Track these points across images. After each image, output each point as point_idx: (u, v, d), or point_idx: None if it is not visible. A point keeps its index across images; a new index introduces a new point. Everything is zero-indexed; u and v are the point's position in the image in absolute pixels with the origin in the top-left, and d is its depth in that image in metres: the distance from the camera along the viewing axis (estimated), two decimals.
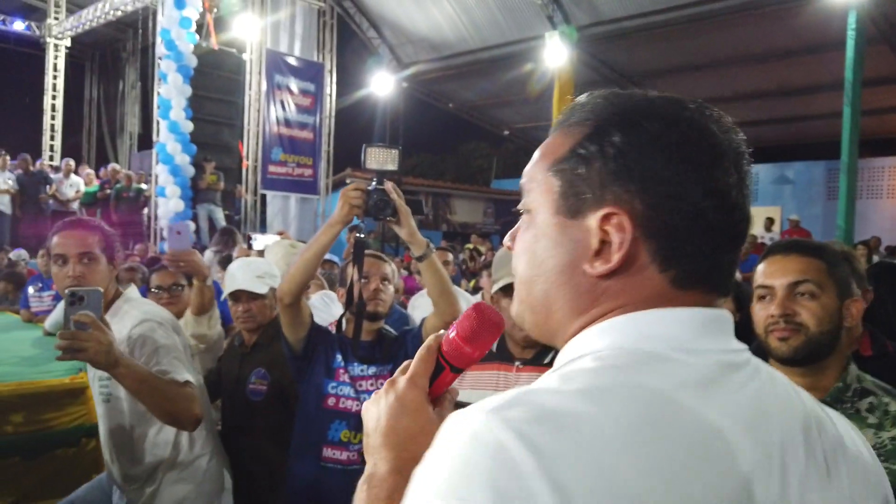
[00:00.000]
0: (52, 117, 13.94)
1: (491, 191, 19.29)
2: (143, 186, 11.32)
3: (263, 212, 12.64)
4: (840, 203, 8.22)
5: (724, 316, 0.62)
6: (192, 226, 2.67)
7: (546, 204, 0.64)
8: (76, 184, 10.93)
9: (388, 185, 1.81)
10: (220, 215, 11.25)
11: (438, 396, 0.75)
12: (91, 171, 11.83)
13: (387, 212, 1.80)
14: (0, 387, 2.63)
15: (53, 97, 13.98)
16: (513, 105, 15.51)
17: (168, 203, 10.43)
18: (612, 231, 0.59)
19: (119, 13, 12.59)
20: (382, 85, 14.55)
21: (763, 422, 0.57)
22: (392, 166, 1.84)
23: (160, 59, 10.56)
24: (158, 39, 10.63)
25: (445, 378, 0.77)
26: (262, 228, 12.51)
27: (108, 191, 10.93)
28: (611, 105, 0.63)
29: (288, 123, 12.66)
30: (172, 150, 10.33)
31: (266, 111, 12.22)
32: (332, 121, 13.47)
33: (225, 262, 5.03)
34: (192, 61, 10.50)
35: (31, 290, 4.72)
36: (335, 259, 5.35)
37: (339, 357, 2.05)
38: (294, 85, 12.68)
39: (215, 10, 11.35)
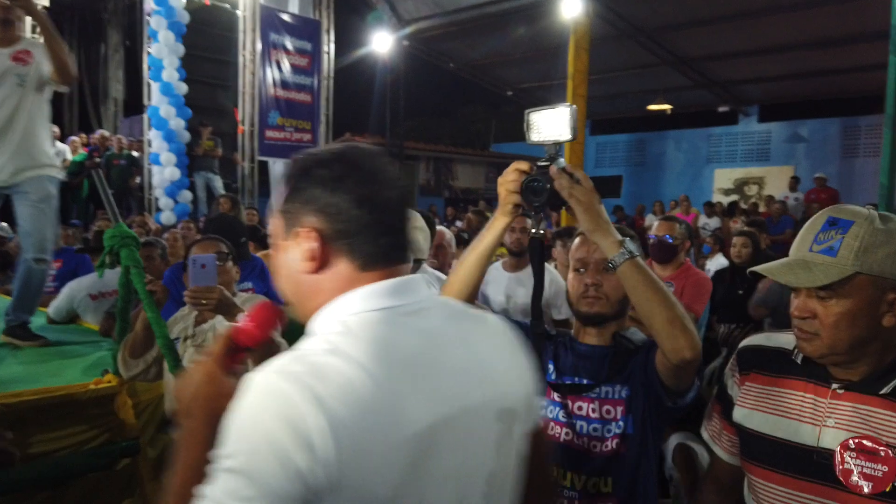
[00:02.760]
0: None
1: (493, 155, 18.69)
2: (136, 154, 10.61)
3: (262, 180, 11.97)
4: (883, 160, 7.63)
5: (408, 281, 0.95)
6: (215, 261, 2.23)
7: (278, 238, 0.98)
8: (62, 152, 10.19)
9: (556, 169, 1.28)
10: (218, 184, 10.60)
11: (233, 368, 0.98)
12: (76, 139, 11.08)
13: (539, 198, 1.27)
14: (9, 398, 2.08)
15: None
16: (519, 64, 14.79)
17: (163, 171, 9.78)
18: (307, 243, 0.92)
19: None
20: (382, 44, 13.78)
21: (429, 342, 0.91)
22: (566, 135, 1.28)
23: (149, 15, 9.79)
24: None
25: (239, 356, 1.00)
26: (263, 198, 11.87)
27: (98, 159, 10.21)
28: (298, 164, 0.97)
29: (285, 85, 11.93)
30: (166, 114, 9.64)
31: (262, 72, 11.48)
32: (331, 82, 12.75)
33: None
34: (185, 17, 9.75)
35: None
36: None
37: (551, 367, 1.54)
38: (290, 44, 11.93)
39: None
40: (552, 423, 1.51)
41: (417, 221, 2.18)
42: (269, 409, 0.77)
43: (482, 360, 0.95)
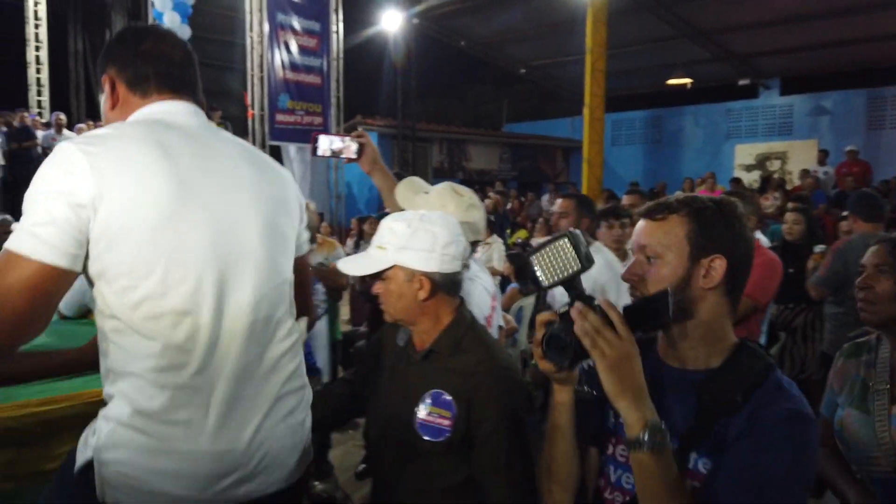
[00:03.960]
0: (38, 70, 12.83)
1: (507, 135, 18.33)
2: None
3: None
4: None
5: (189, 105, 1.35)
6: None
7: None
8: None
9: (576, 310, 1.00)
10: None
11: None
12: (84, 126, 10.84)
13: (564, 358, 1.02)
14: (35, 406, 1.84)
15: (37, 48, 12.84)
16: (532, 40, 14.40)
17: None
18: (107, 87, 1.34)
19: None
20: (391, 22, 13.43)
21: (201, 146, 1.29)
22: (574, 266, 1.03)
23: None
24: None
25: None
26: None
27: None
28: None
29: (294, 67, 11.63)
30: None
31: (270, 54, 11.17)
32: (341, 63, 12.43)
33: None
34: None
35: None
36: None
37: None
38: (298, 24, 11.61)
39: None
40: (616, 492, 1.15)
41: (472, 198, 1.90)
42: (55, 161, 1.14)
43: (234, 172, 1.31)
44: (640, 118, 17.82)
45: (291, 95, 11.69)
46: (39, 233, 1.09)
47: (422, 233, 1.43)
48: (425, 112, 20.79)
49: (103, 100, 1.35)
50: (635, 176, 15.74)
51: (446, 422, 1.40)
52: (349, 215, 13.11)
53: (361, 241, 6.79)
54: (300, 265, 1.44)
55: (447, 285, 1.47)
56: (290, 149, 11.54)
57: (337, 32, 12.29)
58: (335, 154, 1.93)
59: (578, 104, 10.89)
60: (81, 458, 1.22)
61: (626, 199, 4.08)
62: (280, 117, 11.48)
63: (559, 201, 3.17)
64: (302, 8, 11.64)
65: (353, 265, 1.52)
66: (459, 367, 1.43)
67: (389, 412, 1.51)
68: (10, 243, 1.10)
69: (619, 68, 14.29)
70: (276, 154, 11.75)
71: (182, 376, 1.17)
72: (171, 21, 9.19)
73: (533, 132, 18.45)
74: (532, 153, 17.84)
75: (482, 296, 1.89)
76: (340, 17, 12.31)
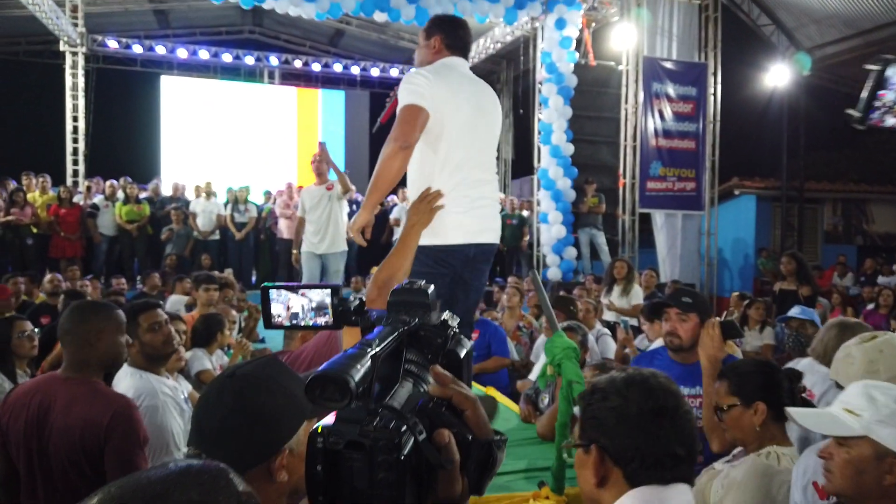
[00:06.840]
0: None
1: None
2: (525, 213, 11.30)
3: (643, 231, 11.69)
4: None
5: (463, 60, 2.82)
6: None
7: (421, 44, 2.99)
8: None
9: None
10: (601, 240, 10.62)
11: None
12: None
13: None
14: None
15: None
16: None
17: (550, 229, 10.18)
18: (435, 41, 2.88)
19: (499, 45, 12.99)
20: (777, 77, 12.43)
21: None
22: None
23: (540, 83, 10.41)
24: (538, 64, 10.52)
25: None
26: (644, 249, 11.57)
27: None
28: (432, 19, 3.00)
29: (667, 134, 11.51)
30: (554, 175, 10.06)
31: (643, 123, 11.27)
32: (717, 126, 11.90)
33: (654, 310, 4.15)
34: (573, 81, 10.12)
35: None
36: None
37: None
38: (672, 91, 11.49)
39: (593, 24, 10.86)
40: None
41: None
42: (416, 73, 2.59)
43: (481, 97, 2.75)
44: None
45: (663, 162, 11.56)
46: (414, 94, 2.46)
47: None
48: (812, 168, 18.59)
49: (424, 47, 2.72)
50: None
51: None
52: (721, 284, 12.30)
53: (745, 326, 6.21)
54: None
55: None
56: (658, 218, 11.38)
57: (714, 95, 11.84)
58: None
59: None
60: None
61: None
62: (651, 184, 11.42)
63: None
64: (678, 75, 11.52)
65: (810, 420, 1.35)
66: None
67: None
68: (403, 102, 2.49)
69: None
70: (644, 220, 11.66)
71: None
72: (555, 105, 9.93)
73: None
74: None
75: None
76: (719, 79, 11.85)
